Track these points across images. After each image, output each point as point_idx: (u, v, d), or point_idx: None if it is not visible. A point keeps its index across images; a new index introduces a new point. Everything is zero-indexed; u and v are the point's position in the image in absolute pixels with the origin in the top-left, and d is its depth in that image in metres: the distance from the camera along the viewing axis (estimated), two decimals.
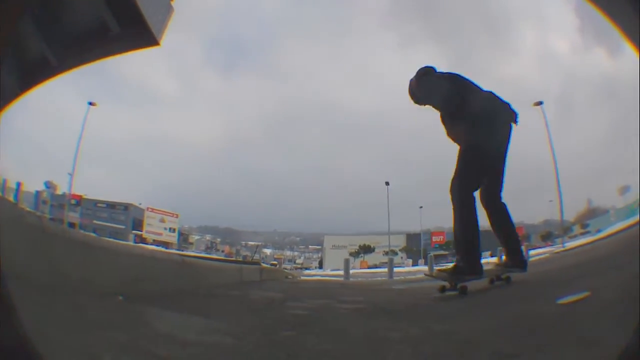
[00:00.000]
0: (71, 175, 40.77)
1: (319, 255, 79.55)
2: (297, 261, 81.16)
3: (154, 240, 59.14)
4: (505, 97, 4.88)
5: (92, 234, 7.92)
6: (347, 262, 18.18)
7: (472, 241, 4.52)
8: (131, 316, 2.41)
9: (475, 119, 4.72)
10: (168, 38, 10.08)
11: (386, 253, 57.20)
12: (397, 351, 1.95)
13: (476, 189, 4.65)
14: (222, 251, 72.81)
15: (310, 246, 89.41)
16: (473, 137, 4.73)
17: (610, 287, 2.62)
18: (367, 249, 69.60)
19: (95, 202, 60.00)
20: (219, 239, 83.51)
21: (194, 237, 76.58)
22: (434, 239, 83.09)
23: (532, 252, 20.74)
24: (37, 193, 53.56)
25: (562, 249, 21.16)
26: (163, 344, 1.91)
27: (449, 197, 4.69)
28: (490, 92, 4.86)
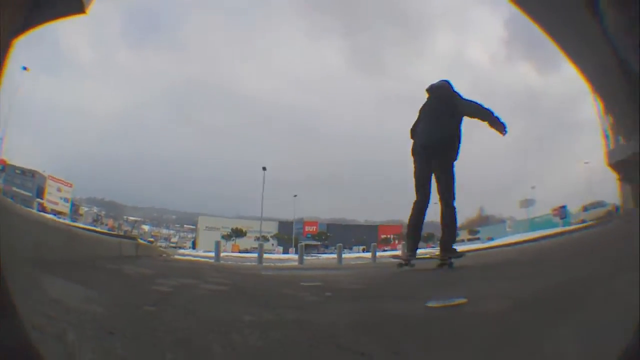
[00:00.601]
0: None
1: (193, 235, 78.17)
2: (172, 239, 79.39)
3: (52, 209, 55.57)
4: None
5: (9, 200, 7.50)
6: (218, 244, 18.31)
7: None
8: (26, 281, 2.34)
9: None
10: (95, 7, 9.67)
11: (257, 238, 57.06)
12: (246, 334, 1.95)
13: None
14: (106, 225, 69.55)
15: (185, 225, 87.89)
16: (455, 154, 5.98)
17: (488, 296, 2.73)
18: (239, 233, 69.47)
19: (14, 168, 58.47)
20: (103, 212, 79.94)
21: (83, 209, 72.81)
22: (307, 228, 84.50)
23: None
24: None
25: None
26: (50, 308, 1.90)
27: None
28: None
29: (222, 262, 14.10)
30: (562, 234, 16.94)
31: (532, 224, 56.37)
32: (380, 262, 14.27)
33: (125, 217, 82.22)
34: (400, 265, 5.85)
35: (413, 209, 5.98)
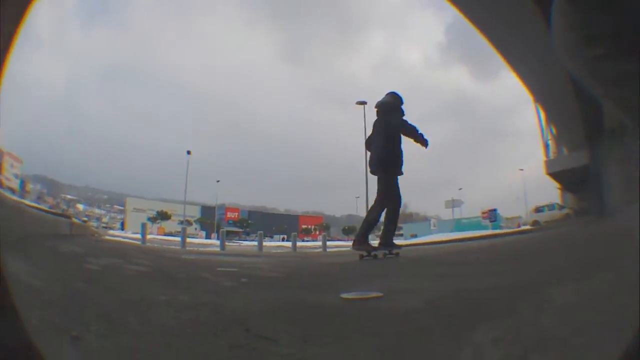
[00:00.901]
0: None
1: (122, 216, 76.21)
2: (103, 220, 77.08)
3: (7, 185, 52.92)
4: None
5: None
6: (144, 226, 18.05)
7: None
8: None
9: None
10: None
11: (181, 222, 56.17)
12: (160, 313, 2.00)
13: None
14: (47, 202, 66.90)
15: (115, 206, 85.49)
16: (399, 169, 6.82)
17: (403, 291, 2.68)
18: (164, 216, 68.08)
19: None
20: (45, 190, 76.74)
21: (30, 186, 69.51)
22: (229, 214, 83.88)
23: (330, 244, 21.46)
24: None
25: None
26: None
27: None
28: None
29: (148, 244, 14.03)
30: (495, 236, 17.39)
31: (458, 225, 57.18)
32: (300, 251, 14.46)
33: (62, 195, 79.20)
34: (362, 257, 6.21)
35: (377, 208, 6.58)
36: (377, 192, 6.64)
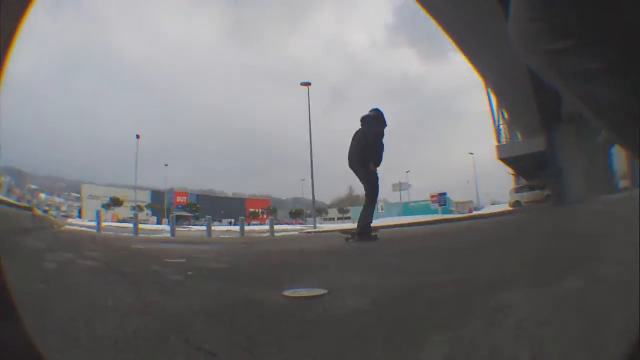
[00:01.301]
0: None
1: (79, 204, 74.96)
2: (62, 208, 75.64)
3: None
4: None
5: None
6: (99, 214, 18.35)
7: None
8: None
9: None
10: None
11: (133, 208, 55.56)
12: (105, 318, 1.96)
13: None
14: (16, 194, 65.42)
15: (72, 193, 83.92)
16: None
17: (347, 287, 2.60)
18: (117, 202, 67.34)
19: None
20: (13, 182, 74.81)
21: (1, 178, 67.55)
22: (178, 199, 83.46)
23: (278, 227, 21.57)
24: None
25: (314, 230, 21.75)
26: None
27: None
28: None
29: (103, 232, 14.55)
30: (452, 220, 17.58)
31: (407, 208, 57.40)
32: (248, 236, 14.45)
33: (27, 185, 77.40)
34: (348, 239, 7.16)
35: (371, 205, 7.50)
36: (366, 188, 7.52)
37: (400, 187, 47.61)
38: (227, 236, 14.89)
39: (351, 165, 7.64)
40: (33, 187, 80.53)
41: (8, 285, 1.21)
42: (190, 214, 70.64)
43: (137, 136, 55.41)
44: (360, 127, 7.82)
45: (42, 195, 79.64)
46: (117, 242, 8.02)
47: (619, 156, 19.90)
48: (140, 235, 14.51)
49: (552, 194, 25.74)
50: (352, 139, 7.78)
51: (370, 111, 7.90)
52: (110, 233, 14.56)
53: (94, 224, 17.44)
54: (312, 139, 30.92)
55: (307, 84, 32.27)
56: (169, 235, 15.26)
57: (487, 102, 32.34)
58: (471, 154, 73.03)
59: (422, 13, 16.25)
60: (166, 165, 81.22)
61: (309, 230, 22.17)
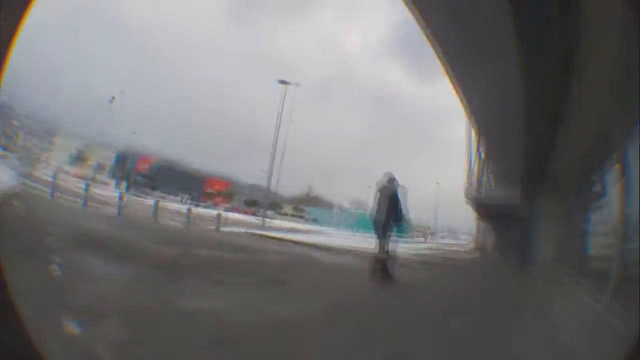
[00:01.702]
0: None
1: (51, 149, 70.96)
2: (35, 151, 71.17)
3: None
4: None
5: None
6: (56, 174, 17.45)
7: None
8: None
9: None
10: None
11: (96, 166, 53.06)
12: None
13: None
14: None
15: (50, 137, 79.23)
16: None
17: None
18: (82, 156, 63.77)
19: None
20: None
21: None
22: (141, 165, 78.73)
23: (229, 216, 21.31)
24: None
25: (262, 232, 19.58)
26: None
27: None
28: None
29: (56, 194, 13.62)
30: None
31: (363, 220, 53.78)
32: (192, 227, 13.71)
33: (11, 121, 73.36)
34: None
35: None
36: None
37: (357, 204, 45.86)
38: (173, 223, 13.80)
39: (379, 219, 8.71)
40: (15, 123, 76.47)
41: (8, 285, 1.25)
42: (147, 184, 68.20)
43: (113, 98, 53.49)
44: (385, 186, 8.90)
45: (21, 133, 75.78)
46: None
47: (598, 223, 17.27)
48: (88, 208, 13.23)
49: (518, 252, 22.32)
50: (381, 195, 8.81)
51: (390, 177, 9.01)
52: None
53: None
54: (284, 133, 28.38)
55: (285, 82, 29.16)
56: (115, 215, 13.19)
57: (466, 136, 28.23)
58: (437, 183, 70.46)
59: (420, 35, 15.96)
60: (133, 133, 78.14)
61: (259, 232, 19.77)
